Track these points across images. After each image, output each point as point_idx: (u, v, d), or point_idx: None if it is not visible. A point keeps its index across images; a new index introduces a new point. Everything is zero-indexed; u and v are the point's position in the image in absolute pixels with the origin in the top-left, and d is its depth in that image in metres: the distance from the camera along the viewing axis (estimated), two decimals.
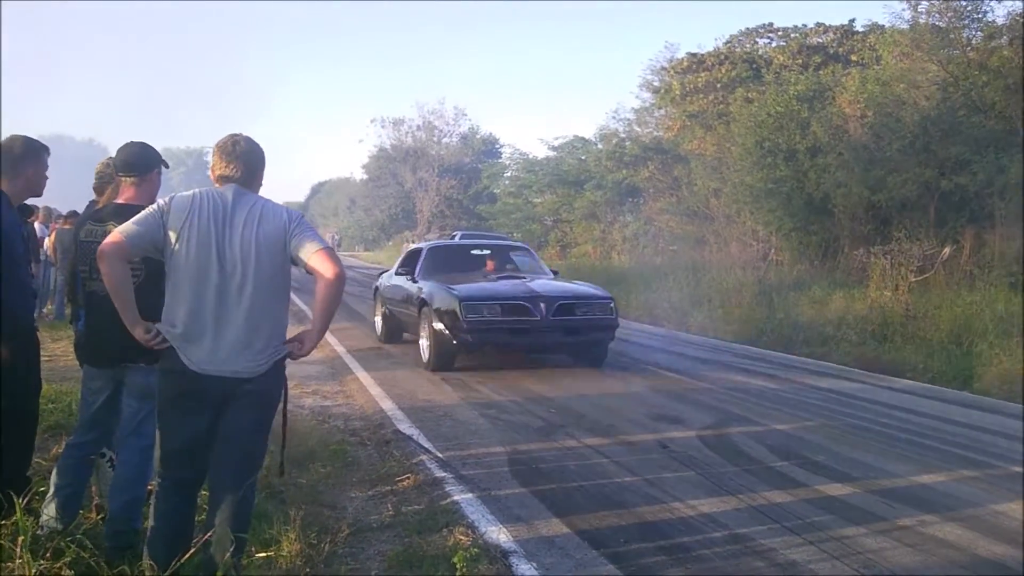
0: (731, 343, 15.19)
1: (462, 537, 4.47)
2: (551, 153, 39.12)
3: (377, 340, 13.03)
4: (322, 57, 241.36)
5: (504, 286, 10.70)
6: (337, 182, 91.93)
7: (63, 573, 3.22)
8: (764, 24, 31.68)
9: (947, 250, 16.21)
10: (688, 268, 21.67)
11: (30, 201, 4.43)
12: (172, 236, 3.34)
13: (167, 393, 3.41)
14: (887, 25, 22.77)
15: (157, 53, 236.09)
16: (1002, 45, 18.06)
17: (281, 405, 3.62)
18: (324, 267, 3.34)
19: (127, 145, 4.10)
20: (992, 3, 21.17)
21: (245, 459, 3.50)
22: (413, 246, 14.31)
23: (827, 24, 30.05)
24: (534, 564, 4.20)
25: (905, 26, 20.23)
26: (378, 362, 10.70)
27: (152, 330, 3.36)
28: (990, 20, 18.71)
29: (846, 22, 29.57)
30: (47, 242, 13.35)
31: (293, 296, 14.59)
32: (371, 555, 4.32)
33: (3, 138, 4.12)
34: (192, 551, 3.33)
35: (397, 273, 12.62)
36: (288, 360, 3.55)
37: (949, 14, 18.97)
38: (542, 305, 9.96)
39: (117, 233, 3.32)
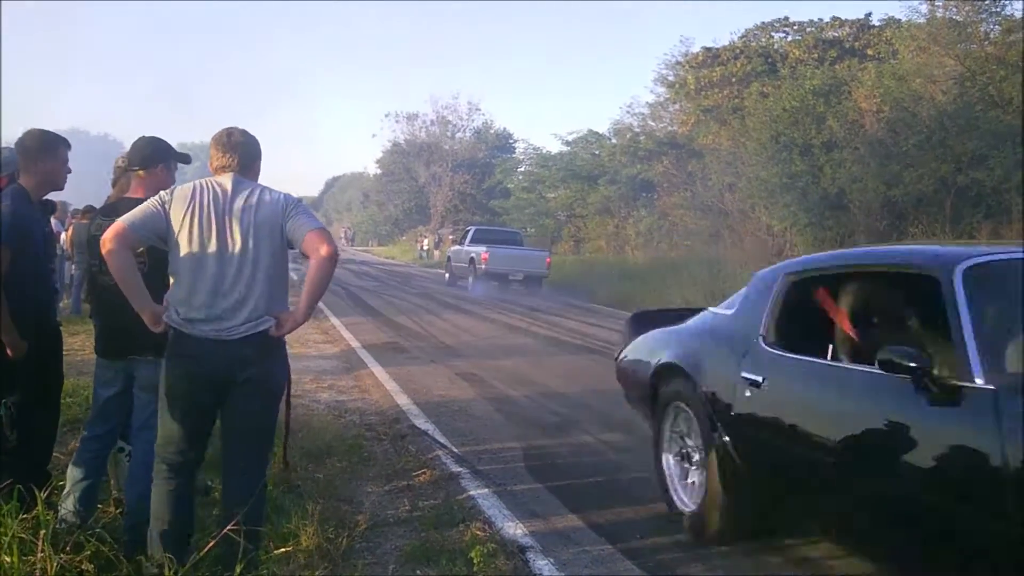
0: None
1: (479, 532, 4.47)
2: (565, 148, 39.10)
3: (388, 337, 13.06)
4: (338, 53, 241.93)
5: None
6: (351, 177, 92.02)
7: (84, 567, 3.23)
8: (780, 18, 31.63)
9: None
10: (703, 263, 21.59)
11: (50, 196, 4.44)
12: (174, 224, 3.41)
13: (169, 374, 3.46)
14: (904, 19, 22.70)
15: (173, 48, 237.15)
16: (1020, 39, 17.90)
17: (284, 396, 3.65)
18: (317, 246, 3.36)
19: (139, 141, 4.14)
20: None
21: (252, 448, 3.55)
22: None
23: (843, 18, 29.98)
24: (551, 559, 4.20)
25: (922, 20, 20.14)
26: (393, 357, 10.71)
27: (161, 315, 3.41)
28: (1008, 14, 18.59)
29: (862, 16, 29.46)
30: (64, 237, 13.42)
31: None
32: (388, 550, 4.32)
33: (4, 133, 4.14)
34: (211, 544, 3.35)
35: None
36: (297, 355, 3.57)
37: (966, 8, 18.85)
38: None
39: (120, 221, 3.38)
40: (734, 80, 29.60)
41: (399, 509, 4.96)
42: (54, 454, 4.52)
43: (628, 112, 36.26)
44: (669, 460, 4.91)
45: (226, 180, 3.50)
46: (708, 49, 31.60)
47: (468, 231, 27.42)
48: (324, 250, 3.36)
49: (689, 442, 4.74)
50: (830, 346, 4.04)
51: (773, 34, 31.81)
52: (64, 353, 4.48)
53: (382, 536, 4.51)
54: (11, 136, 4.48)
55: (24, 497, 3.42)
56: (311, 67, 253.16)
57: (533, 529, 4.62)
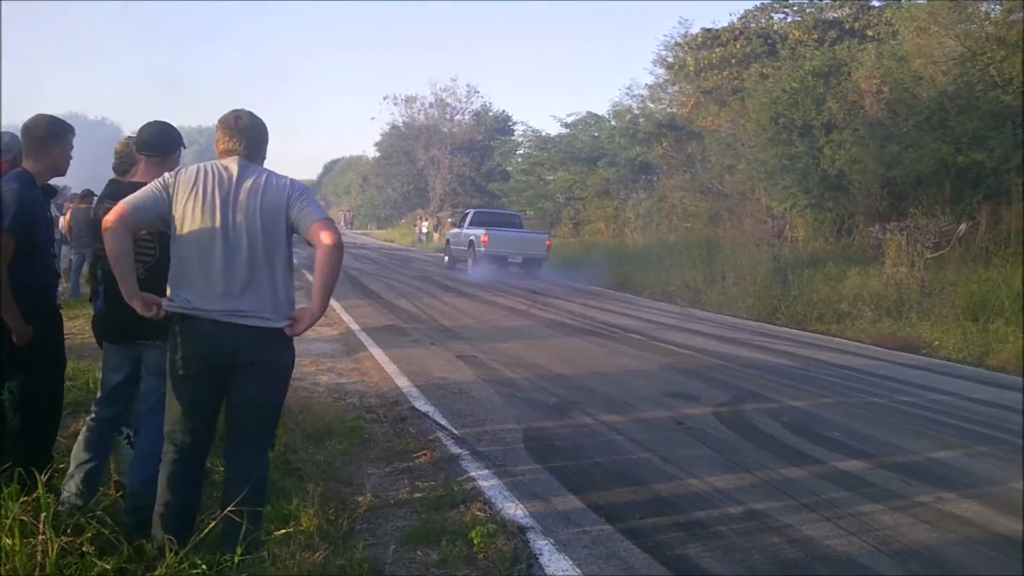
0: (745, 320, 15.16)
1: (479, 513, 4.49)
2: (564, 130, 38.95)
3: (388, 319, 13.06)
4: (338, 35, 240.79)
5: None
6: (350, 160, 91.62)
7: (84, 549, 3.24)
8: None
9: (963, 226, 16.11)
10: (702, 245, 21.60)
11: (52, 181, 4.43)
12: (178, 207, 3.40)
13: (176, 358, 3.44)
14: (904, 0, 22.57)
15: (169, 32, 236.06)
16: (1021, 19, 17.82)
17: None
18: (323, 235, 3.36)
19: (149, 124, 4.11)
20: None
21: (256, 430, 3.57)
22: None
23: None
24: (551, 540, 4.21)
25: (922, 0, 20.02)
26: (392, 339, 10.72)
27: (152, 304, 3.40)
28: None
29: None
30: (62, 221, 13.40)
31: (305, 273, 14.69)
32: (389, 531, 4.34)
33: (4, 119, 4.13)
34: (212, 524, 3.36)
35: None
36: (297, 338, 3.56)
37: None
38: None
39: (122, 204, 3.38)
40: (734, 61, 29.44)
41: (399, 490, 4.97)
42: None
43: (627, 94, 36.16)
44: None
45: (232, 164, 3.48)
46: (708, 30, 31.40)
47: (467, 214, 27.37)
48: (329, 239, 3.34)
49: None
50: None
51: (773, 15, 31.58)
52: (64, 337, 4.48)
53: (383, 517, 4.53)
54: (8, 121, 4.47)
55: (25, 480, 3.43)
56: (309, 49, 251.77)
57: (533, 510, 4.63)
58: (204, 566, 3.23)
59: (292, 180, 3.57)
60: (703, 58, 30.32)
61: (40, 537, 3.15)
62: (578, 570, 3.87)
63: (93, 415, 4.13)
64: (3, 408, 3.94)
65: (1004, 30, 17.96)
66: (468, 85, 58.84)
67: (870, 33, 26.26)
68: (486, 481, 5.09)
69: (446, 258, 27.21)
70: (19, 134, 4.17)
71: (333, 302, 14.65)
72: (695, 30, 32.06)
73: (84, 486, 3.95)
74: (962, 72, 18.15)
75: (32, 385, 3.98)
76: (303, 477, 4.86)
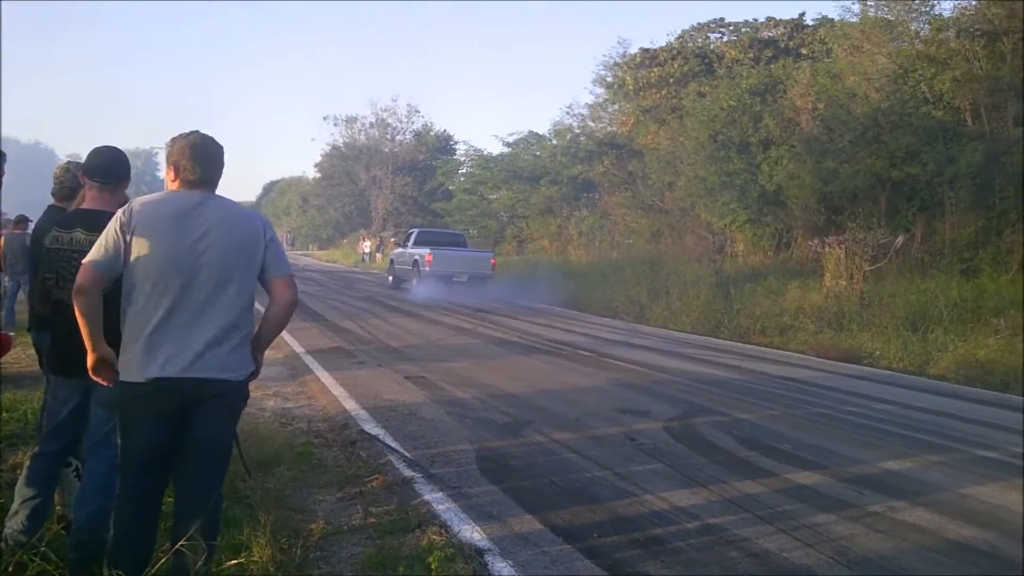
0: (690, 334, 15.29)
1: (435, 537, 4.41)
2: (505, 149, 39.24)
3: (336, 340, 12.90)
4: (276, 55, 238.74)
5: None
6: (289, 181, 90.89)
7: None
8: (715, 19, 32.03)
9: (900, 239, 16.49)
10: (645, 262, 21.80)
11: None
12: (136, 245, 3.21)
13: (129, 398, 3.29)
14: (837, 19, 23.14)
15: (101, 53, 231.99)
16: (949, 38, 18.40)
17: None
18: (286, 294, 3.41)
19: (99, 150, 3.95)
20: None
21: (214, 467, 3.41)
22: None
23: (777, 18, 30.43)
24: (509, 561, 4.16)
25: (854, 19, 20.55)
26: (339, 361, 10.57)
27: (114, 361, 3.26)
28: (937, 13, 19.09)
29: (796, 16, 29.96)
30: None
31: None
32: (344, 558, 4.24)
33: None
34: (163, 559, 3.24)
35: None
36: None
37: (897, 7, 19.30)
38: None
39: (90, 267, 3.18)
40: (672, 80, 29.91)
41: (353, 516, 4.87)
42: None
43: (568, 113, 36.63)
44: None
45: (195, 196, 3.32)
46: (646, 50, 31.89)
47: (411, 233, 27.23)
48: (291, 296, 3.41)
49: None
50: None
51: (710, 35, 32.22)
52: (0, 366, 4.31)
53: (337, 545, 4.42)
54: None
55: None
56: (246, 69, 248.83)
57: (490, 532, 4.57)
58: None
59: (262, 219, 3.50)
60: (642, 77, 30.77)
61: None
62: None
63: (38, 449, 3.96)
64: None
65: (933, 48, 18.52)
66: (409, 105, 58.91)
67: (805, 52, 26.89)
68: (441, 504, 5.02)
69: (390, 278, 27.01)
70: None
71: None
72: (634, 50, 32.57)
73: (29, 522, 3.78)
74: (895, 89, 18.68)
75: None
76: (253, 505, 4.73)
